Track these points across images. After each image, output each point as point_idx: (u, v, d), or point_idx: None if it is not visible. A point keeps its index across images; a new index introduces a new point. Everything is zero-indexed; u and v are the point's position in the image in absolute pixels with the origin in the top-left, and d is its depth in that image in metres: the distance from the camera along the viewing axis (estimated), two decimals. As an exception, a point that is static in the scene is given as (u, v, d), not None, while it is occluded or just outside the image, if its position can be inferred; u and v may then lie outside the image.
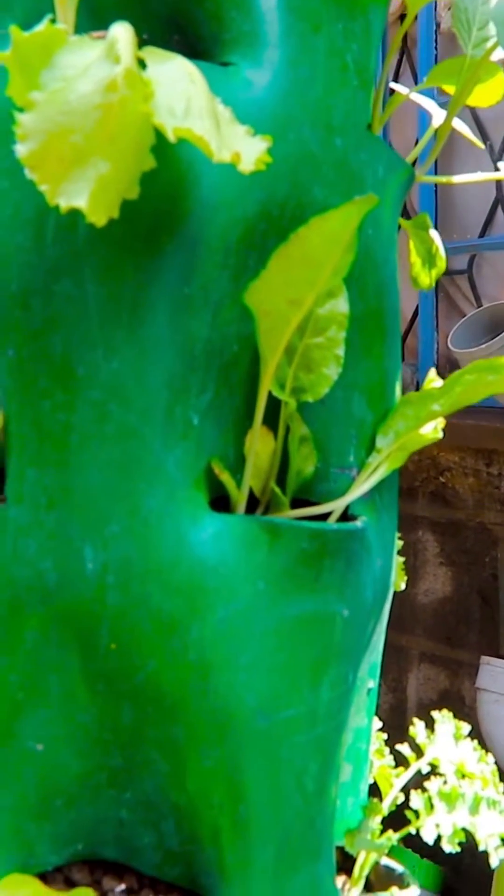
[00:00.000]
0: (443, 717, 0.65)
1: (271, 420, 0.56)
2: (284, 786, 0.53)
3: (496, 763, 2.07)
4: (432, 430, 0.60)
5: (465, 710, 2.25)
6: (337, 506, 0.57)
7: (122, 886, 0.58)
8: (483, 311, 2.08)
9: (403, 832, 0.63)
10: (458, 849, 0.61)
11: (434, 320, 2.41)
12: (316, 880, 0.55)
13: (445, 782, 0.62)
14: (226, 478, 0.53)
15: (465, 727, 0.65)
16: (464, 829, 0.61)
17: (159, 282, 0.51)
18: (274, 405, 0.56)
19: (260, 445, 0.56)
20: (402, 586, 0.74)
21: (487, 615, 2.20)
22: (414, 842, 0.74)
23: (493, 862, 0.61)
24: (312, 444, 0.57)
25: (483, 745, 2.08)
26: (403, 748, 0.65)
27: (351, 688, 0.56)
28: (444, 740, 0.64)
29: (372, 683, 0.64)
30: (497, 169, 2.41)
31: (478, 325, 2.07)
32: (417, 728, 0.65)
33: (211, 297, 0.52)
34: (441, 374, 2.41)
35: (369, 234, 0.58)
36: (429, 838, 0.61)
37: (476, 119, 2.34)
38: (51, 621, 0.53)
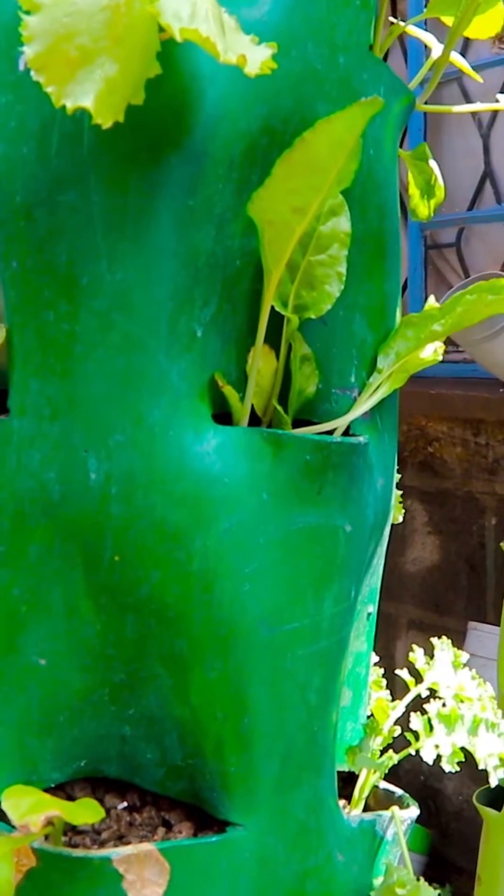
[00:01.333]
0: (442, 644, 0.65)
1: (273, 339, 0.56)
2: (288, 698, 0.54)
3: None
4: (432, 352, 0.60)
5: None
6: (339, 423, 0.57)
7: (125, 804, 0.58)
8: (471, 280, 2.08)
9: (404, 754, 0.63)
10: (457, 768, 0.61)
11: (423, 293, 2.41)
12: (318, 795, 0.56)
13: (444, 705, 0.63)
14: (228, 390, 0.53)
15: (464, 655, 0.66)
16: (463, 749, 0.61)
17: (163, 193, 0.51)
18: (276, 325, 0.56)
19: (262, 363, 0.56)
20: (400, 518, 0.74)
21: (475, 583, 2.22)
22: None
23: (493, 781, 0.61)
24: (314, 364, 0.57)
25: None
26: (403, 673, 0.66)
27: (353, 605, 0.57)
28: (442, 667, 0.65)
29: (372, 608, 0.64)
30: (486, 144, 2.41)
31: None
32: (417, 654, 0.66)
33: (215, 210, 0.52)
34: (429, 347, 2.39)
35: (370, 154, 0.58)
36: (428, 758, 0.61)
37: (464, 91, 2.34)
38: (54, 534, 0.53)
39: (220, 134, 0.52)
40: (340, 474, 0.55)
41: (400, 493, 0.69)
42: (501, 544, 1.50)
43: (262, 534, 0.53)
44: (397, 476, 0.65)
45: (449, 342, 2.54)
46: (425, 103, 0.68)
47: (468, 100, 2.34)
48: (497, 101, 0.72)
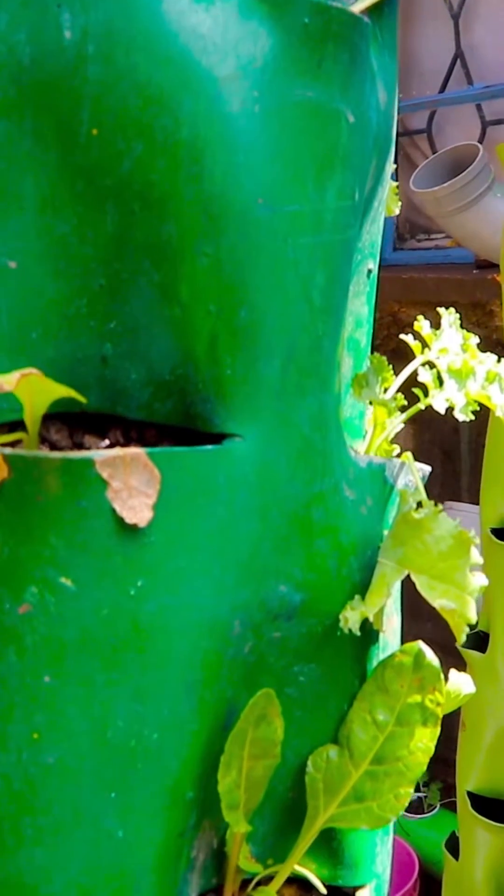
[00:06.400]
0: (448, 313, 0.60)
1: None
2: (289, 290, 0.48)
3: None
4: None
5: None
6: None
7: (106, 442, 0.52)
8: (444, 153, 2.03)
9: (413, 409, 0.58)
10: (471, 417, 0.56)
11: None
12: (323, 412, 0.50)
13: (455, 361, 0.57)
14: None
15: (474, 338, 0.60)
16: (477, 401, 0.56)
17: None
18: None
19: None
20: (396, 211, 0.69)
21: (449, 469, 2.18)
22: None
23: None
24: None
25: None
26: (408, 337, 0.60)
27: (357, 209, 0.51)
28: (451, 334, 0.59)
29: (372, 265, 0.59)
30: (456, 26, 2.35)
31: (439, 168, 2.02)
32: (422, 322, 0.61)
33: None
34: (400, 237, 2.36)
35: None
36: (440, 408, 0.56)
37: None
38: (25, 106, 0.47)
39: None
40: (341, 49, 0.49)
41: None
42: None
43: (257, 101, 0.47)
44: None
45: (422, 229, 2.50)
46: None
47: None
48: None
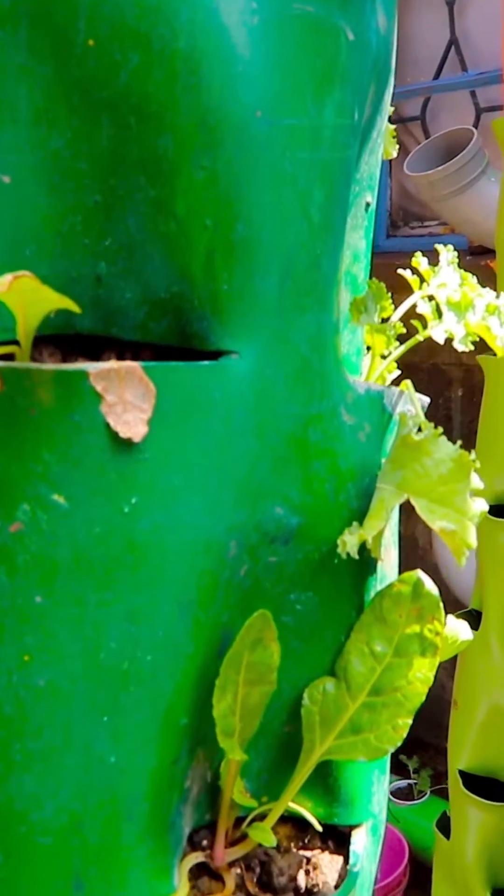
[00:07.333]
0: (447, 250, 0.59)
1: None
2: (287, 205, 0.47)
3: (455, 599, 2.04)
4: None
5: (418, 552, 2.23)
6: None
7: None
8: (438, 138, 2.03)
9: (412, 342, 0.57)
10: (471, 347, 0.55)
11: (387, 165, 2.35)
12: (322, 332, 0.49)
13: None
14: None
15: (471, 276, 0.59)
16: (477, 333, 0.55)
17: None
18: None
19: None
20: (394, 153, 0.68)
21: (442, 455, 2.18)
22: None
23: None
24: None
25: (439, 580, 2.06)
26: (406, 272, 0.60)
27: (356, 130, 0.50)
28: (449, 272, 0.59)
29: (370, 198, 0.58)
30: (451, 13, 2.35)
31: (433, 153, 2.02)
32: (420, 258, 0.60)
33: None
34: (394, 224, 2.36)
35: None
36: (439, 338, 0.55)
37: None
38: (19, 16, 0.46)
39: None
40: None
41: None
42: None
43: (256, 13, 0.46)
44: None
45: (415, 216, 2.50)
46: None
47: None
48: None
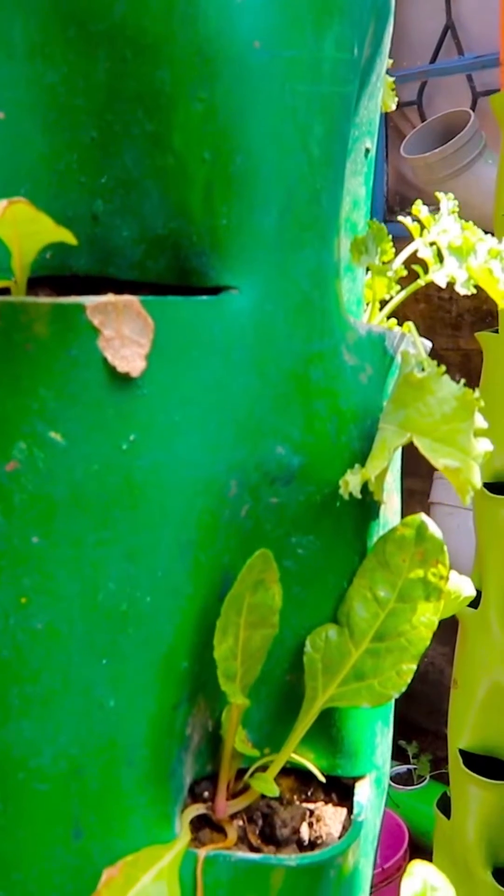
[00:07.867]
0: (447, 198, 0.58)
1: None
2: (286, 138, 0.46)
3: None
4: None
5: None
6: None
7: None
8: (435, 120, 2.02)
9: (414, 286, 0.56)
10: (473, 291, 0.54)
11: (384, 151, 2.34)
12: (322, 268, 0.49)
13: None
14: None
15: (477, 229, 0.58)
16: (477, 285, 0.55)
17: None
18: None
19: None
20: (392, 106, 0.67)
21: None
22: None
23: None
24: None
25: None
26: (406, 219, 0.59)
27: (356, 66, 0.50)
28: (450, 220, 0.58)
29: (370, 144, 0.57)
30: (445, -3, 2.34)
31: (430, 135, 2.01)
32: (420, 206, 0.59)
33: None
34: (390, 209, 2.34)
35: None
36: (441, 282, 0.54)
37: None
38: None
39: None
40: None
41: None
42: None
43: None
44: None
45: (411, 202, 2.48)
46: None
47: None
48: None
